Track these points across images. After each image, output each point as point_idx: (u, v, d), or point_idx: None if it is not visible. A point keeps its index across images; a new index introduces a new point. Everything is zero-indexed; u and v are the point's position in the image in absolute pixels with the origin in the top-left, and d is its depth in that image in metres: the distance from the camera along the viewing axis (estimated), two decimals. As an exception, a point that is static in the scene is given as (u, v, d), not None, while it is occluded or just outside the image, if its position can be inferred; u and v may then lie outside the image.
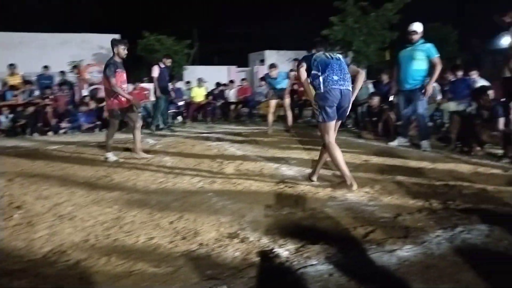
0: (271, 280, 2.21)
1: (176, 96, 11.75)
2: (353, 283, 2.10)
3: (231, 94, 12.99)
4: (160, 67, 9.51)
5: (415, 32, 6.08)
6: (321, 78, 3.84)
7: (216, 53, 29.21)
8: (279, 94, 8.45)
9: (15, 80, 10.91)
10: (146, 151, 6.13)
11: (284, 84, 8.40)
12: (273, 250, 2.51)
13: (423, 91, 6.06)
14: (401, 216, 3.09)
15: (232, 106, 12.50)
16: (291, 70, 12.61)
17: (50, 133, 9.58)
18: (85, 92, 11.81)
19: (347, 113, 4.15)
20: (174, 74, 14.14)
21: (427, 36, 6.24)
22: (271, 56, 21.73)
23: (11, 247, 2.71)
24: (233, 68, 20.30)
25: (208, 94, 12.65)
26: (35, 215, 3.35)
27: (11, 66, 11.15)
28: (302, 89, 11.69)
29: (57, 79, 12.23)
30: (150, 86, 13.35)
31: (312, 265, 2.30)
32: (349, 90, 3.92)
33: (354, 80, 4.02)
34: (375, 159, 5.37)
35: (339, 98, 3.85)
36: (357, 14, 16.80)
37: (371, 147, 6.46)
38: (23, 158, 6.11)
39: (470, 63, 14.02)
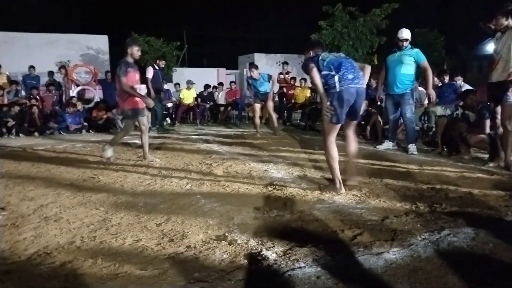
0: (259, 282, 2.20)
1: (165, 98, 11.69)
2: (341, 285, 2.11)
3: (220, 97, 12.99)
4: (154, 68, 9.50)
5: (407, 40, 6.16)
6: (336, 77, 3.75)
7: (205, 55, 29.20)
8: (262, 98, 8.35)
9: (0, 80, 10.74)
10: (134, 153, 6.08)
11: (266, 87, 8.28)
12: (261, 253, 2.50)
13: (428, 97, 6.20)
14: (388, 219, 3.11)
15: (221, 109, 12.49)
16: (280, 73, 12.69)
17: (36, 133, 9.45)
18: (72, 93, 11.67)
19: (360, 113, 4.07)
20: (163, 75, 14.09)
21: (414, 42, 6.35)
22: (260, 59, 21.78)
23: (-5, 249, 2.65)
24: (222, 70, 20.29)
25: (197, 96, 12.62)
26: (20, 216, 3.29)
27: (-4, 66, 10.98)
28: (291, 92, 11.77)
29: (45, 80, 12.08)
30: (141, 86, 13.28)
31: (299, 267, 2.30)
32: (364, 88, 3.89)
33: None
34: (363, 162, 5.40)
35: (355, 97, 3.79)
36: (346, 19, 16.95)
37: (359, 150, 6.48)
38: (8, 158, 6.01)
39: (456, 69, 14.23)
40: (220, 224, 3.05)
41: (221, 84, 13.75)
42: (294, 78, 12.48)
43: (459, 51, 24.84)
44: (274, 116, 8.66)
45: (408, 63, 6.14)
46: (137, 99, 5.57)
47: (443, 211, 3.29)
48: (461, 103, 6.22)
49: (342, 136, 4.24)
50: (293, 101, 11.60)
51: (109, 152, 5.65)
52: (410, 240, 2.67)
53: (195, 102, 12.26)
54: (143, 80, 9.54)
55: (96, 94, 12.30)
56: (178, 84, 13.63)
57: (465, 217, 3.10)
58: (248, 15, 32.07)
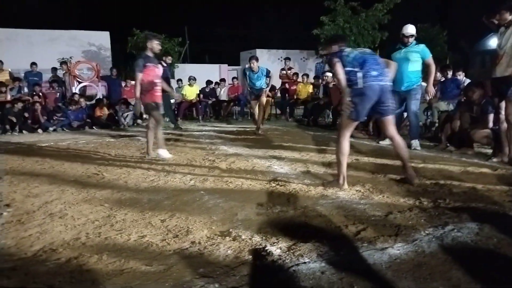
0: (264, 278, 2.21)
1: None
2: (345, 280, 2.11)
3: (223, 93, 12.98)
4: (162, 66, 9.50)
5: (412, 36, 6.11)
6: (359, 74, 3.71)
7: (207, 51, 29.16)
8: (258, 93, 8.12)
9: (2, 77, 10.75)
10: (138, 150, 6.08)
11: (263, 83, 8.08)
12: (265, 248, 2.51)
13: (426, 94, 6.16)
14: (392, 214, 3.11)
15: (224, 105, 12.49)
16: (282, 69, 12.67)
17: (39, 130, 9.47)
18: (74, 90, 11.68)
19: (392, 109, 4.00)
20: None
21: (416, 37, 6.29)
22: (262, 54, 21.74)
23: (0, 245, 2.67)
24: (224, 66, 20.28)
25: (200, 92, 12.62)
26: (24, 213, 3.31)
27: (-2, 62, 10.98)
28: (293, 87, 11.75)
29: (47, 76, 12.09)
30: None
31: (304, 263, 2.30)
32: (389, 85, 3.84)
33: None
34: (366, 158, 5.41)
35: (378, 95, 3.74)
36: (348, 14, 16.90)
37: (362, 146, 6.50)
38: (12, 155, 6.03)
39: (458, 64, 14.18)
40: (224, 220, 3.06)
41: (223, 80, 13.74)
42: (296, 74, 12.46)
43: (461, 46, 24.75)
44: (262, 114, 8.30)
45: (414, 60, 6.09)
46: (157, 93, 5.50)
47: (447, 206, 3.29)
48: (463, 98, 6.18)
49: (352, 136, 4.24)
50: (295, 97, 11.59)
51: (165, 154, 5.56)
52: (414, 236, 2.67)
53: (198, 99, 12.26)
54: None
55: (98, 90, 12.32)
56: (181, 80, 13.62)
57: (469, 212, 3.10)
58: (250, 11, 32.01)
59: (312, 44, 19.23)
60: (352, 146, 6.44)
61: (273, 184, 4.09)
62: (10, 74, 11.18)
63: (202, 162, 5.34)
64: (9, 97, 10.11)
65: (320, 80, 10.93)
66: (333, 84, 9.84)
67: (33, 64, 11.87)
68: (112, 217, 3.17)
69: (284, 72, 12.42)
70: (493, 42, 23.83)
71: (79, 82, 12.14)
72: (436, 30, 20.58)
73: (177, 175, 4.58)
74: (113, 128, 10.03)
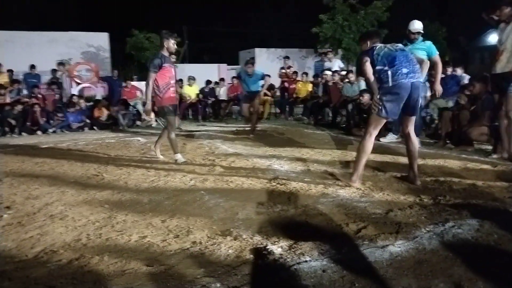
0: (265, 277, 2.21)
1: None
2: (346, 279, 2.11)
3: (222, 92, 12.96)
4: None
5: (419, 32, 6.02)
6: (389, 72, 3.66)
7: (206, 51, 29.16)
8: (251, 97, 7.91)
9: (2, 79, 10.74)
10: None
11: (257, 86, 7.92)
12: (267, 247, 2.51)
13: (432, 93, 6.11)
14: (392, 212, 3.11)
15: (223, 104, 12.47)
16: (282, 68, 12.66)
17: (38, 132, 9.47)
18: (73, 91, 11.67)
19: (419, 106, 3.98)
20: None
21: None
22: (261, 54, 21.77)
23: (1, 247, 2.67)
24: (224, 66, 20.25)
25: (199, 92, 12.60)
26: (25, 215, 3.31)
27: (-3, 65, 10.96)
28: (293, 86, 11.75)
29: (47, 78, 12.06)
30: (141, 84, 13.28)
31: (305, 261, 2.31)
32: (420, 82, 3.79)
33: None
34: (366, 156, 5.40)
35: (409, 92, 3.69)
36: (346, 12, 16.88)
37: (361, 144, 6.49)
38: (11, 158, 6.03)
39: (458, 60, 14.18)
40: (225, 220, 3.07)
41: (222, 79, 13.72)
42: (295, 73, 12.45)
43: (460, 43, 24.75)
44: (255, 116, 8.06)
45: (421, 56, 6.05)
46: (173, 95, 5.30)
47: (447, 203, 3.29)
48: (467, 92, 6.14)
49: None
50: (294, 95, 11.57)
51: (180, 158, 5.33)
52: (415, 233, 2.68)
53: (197, 98, 12.24)
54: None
55: (97, 92, 12.31)
56: (181, 80, 13.60)
57: (469, 208, 3.11)
58: (248, 10, 31.99)
59: (311, 42, 19.24)
60: (351, 144, 6.49)
61: (274, 183, 4.09)
62: (9, 76, 11.16)
63: (202, 162, 5.34)
64: (8, 99, 10.10)
65: (320, 79, 10.92)
66: (332, 82, 9.84)
67: (32, 66, 11.84)
68: (113, 218, 3.17)
69: (284, 70, 12.40)
70: (492, 38, 23.86)
71: (78, 84, 12.13)
72: (435, 26, 20.58)
73: (177, 175, 4.58)
74: (113, 128, 10.03)
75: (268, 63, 20.06)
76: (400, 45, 3.91)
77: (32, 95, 10.41)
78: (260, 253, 2.45)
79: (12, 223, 3.13)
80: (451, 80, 7.56)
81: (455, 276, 2.10)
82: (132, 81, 12.76)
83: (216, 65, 20.17)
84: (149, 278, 2.18)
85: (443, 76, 7.77)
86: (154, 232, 2.85)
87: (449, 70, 7.78)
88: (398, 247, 2.47)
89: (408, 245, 2.50)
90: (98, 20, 24.47)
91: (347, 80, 9.29)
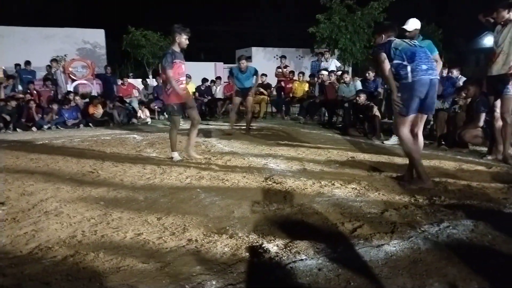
0: (261, 275, 2.21)
1: (161, 92, 11.63)
2: (342, 277, 2.12)
3: (218, 91, 12.95)
4: None
5: (417, 29, 5.93)
6: (409, 68, 3.64)
7: (202, 49, 29.10)
8: (244, 93, 7.89)
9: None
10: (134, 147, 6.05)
11: (250, 83, 7.88)
12: (262, 246, 2.51)
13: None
14: (388, 212, 3.12)
15: (219, 103, 12.46)
16: (278, 67, 12.66)
17: (33, 128, 9.41)
18: (69, 88, 11.61)
19: (434, 105, 3.93)
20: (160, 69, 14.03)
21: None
22: (257, 53, 21.75)
23: (-4, 243, 2.66)
24: (220, 64, 20.23)
25: (195, 90, 12.58)
26: (20, 211, 3.29)
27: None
28: (289, 85, 11.75)
29: (42, 74, 12.00)
30: (137, 81, 13.25)
31: (301, 260, 2.31)
32: (438, 79, 3.77)
33: None
34: (361, 156, 5.42)
35: (427, 89, 3.67)
36: (343, 12, 16.91)
37: (357, 144, 6.52)
38: (6, 154, 6.00)
39: (454, 62, 14.23)
40: (221, 218, 3.06)
41: (218, 78, 13.70)
42: (292, 72, 12.46)
43: (457, 44, 24.86)
44: (250, 114, 8.18)
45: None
46: (183, 91, 5.18)
47: (442, 203, 3.31)
48: (463, 95, 6.15)
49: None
50: (291, 95, 11.58)
51: (177, 156, 5.29)
52: (410, 233, 2.69)
53: (193, 96, 12.22)
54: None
55: (93, 88, 12.26)
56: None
57: (464, 209, 3.13)
58: (245, 9, 31.95)
59: (308, 42, 19.26)
60: (347, 143, 6.51)
61: (270, 182, 4.09)
62: (4, 72, 11.10)
63: (198, 160, 5.33)
64: (2, 95, 10.04)
65: (316, 78, 10.94)
66: (329, 82, 9.86)
67: (27, 62, 11.76)
68: (108, 215, 3.16)
69: (280, 70, 12.41)
70: (487, 41, 24.01)
71: (74, 80, 12.07)
72: (432, 28, 20.64)
73: (173, 173, 4.57)
74: (110, 125, 9.99)
75: (264, 62, 20.06)
76: (416, 42, 3.90)
77: (28, 91, 10.35)
78: (255, 251, 2.46)
79: (7, 219, 3.11)
80: (446, 82, 7.60)
81: (449, 276, 2.12)
82: (129, 78, 12.71)
83: (212, 63, 20.15)
84: (144, 275, 2.18)
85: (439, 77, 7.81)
86: (150, 230, 2.84)
87: (445, 72, 7.81)
88: (393, 246, 2.48)
89: (403, 244, 2.51)
90: (95, 16, 24.36)
91: (342, 80, 9.31)
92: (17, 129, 9.23)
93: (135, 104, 11.11)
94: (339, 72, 10.44)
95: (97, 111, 10.25)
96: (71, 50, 16.26)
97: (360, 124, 7.82)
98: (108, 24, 19.33)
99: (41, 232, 2.83)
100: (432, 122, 7.21)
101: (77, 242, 2.65)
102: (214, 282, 2.09)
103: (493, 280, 2.09)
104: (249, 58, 20.98)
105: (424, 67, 3.65)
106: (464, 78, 7.66)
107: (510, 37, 4.60)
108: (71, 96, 10.35)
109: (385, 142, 6.65)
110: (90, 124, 9.98)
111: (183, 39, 5.05)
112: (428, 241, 2.56)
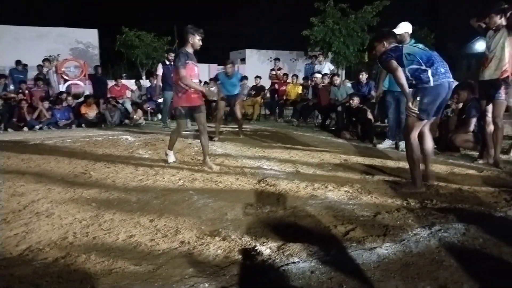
0: (253, 277, 2.21)
1: (155, 93, 11.58)
2: (334, 280, 2.13)
3: (212, 92, 12.92)
4: (164, 64, 9.39)
5: (407, 33, 5.95)
6: (429, 72, 3.63)
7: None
8: (230, 100, 7.69)
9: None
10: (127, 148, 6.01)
11: (236, 89, 7.63)
12: (255, 248, 2.51)
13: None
14: (380, 215, 3.14)
15: (213, 105, 12.44)
16: (272, 70, 12.69)
17: (25, 128, 9.33)
18: (61, 88, 11.52)
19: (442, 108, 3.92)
20: (154, 70, 13.95)
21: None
22: (251, 55, 21.78)
23: (-15, 245, 2.63)
24: (214, 66, 20.21)
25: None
26: (10, 212, 3.26)
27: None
28: (283, 88, 11.77)
29: (34, 74, 11.88)
30: (130, 82, 13.19)
31: (294, 262, 2.31)
32: (454, 82, 3.77)
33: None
34: (354, 159, 5.44)
35: (447, 91, 3.69)
36: (337, 16, 17.00)
37: (350, 147, 6.54)
38: (-4, 154, 5.93)
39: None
40: (214, 220, 3.06)
41: (212, 79, 13.69)
42: (286, 75, 12.48)
43: (448, 49, 25.07)
44: (240, 117, 7.96)
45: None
46: (195, 95, 4.90)
47: (433, 207, 3.33)
48: (454, 100, 6.20)
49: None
50: (284, 97, 11.60)
51: (171, 157, 5.18)
52: (402, 236, 2.70)
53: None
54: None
55: (85, 88, 12.18)
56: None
57: (455, 213, 3.15)
58: (239, 11, 32.00)
59: (302, 45, 19.32)
60: (340, 146, 6.53)
61: (263, 184, 4.09)
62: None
63: (191, 161, 5.32)
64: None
65: (309, 81, 10.97)
66: (322, 85, 9.89)
67: (18, 61, 11.63)
68: (100, 217, 3.14)
69: (274, 72, 12.43)
70: (479, 46, 24.24)
71: (66, 80, 11.98)
72: (424, 32, 20.83)
73: (166, 174, 4.56)
74: (103, 126, 9.93)
75: (258, 64, 20.09)
76: (421, 45, 3.93)
77: (19, 90, 10.25)
78: (248, 253, 2.45)
79: (-3, 220, 3.07)
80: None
81: (441, 279, 2.13)
82: (122, 79, 12.65)
83: (206, 65, 20.11)
84: (136, 278, 2.17)
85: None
86: (142, 232, 2.83)
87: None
88: (385, 249, 2.49)
89: (395, 247, 2.52)
90: (88, 16, 24.24)
91: (332, 83, 9.33)
92: (8, 129, 9.14)
93: (128, 105, 11.06)
94: (330, 74, 10.48)
95: (91, 111, 10.18)
96: (64, 49, 16.14)
97: (353, 127, 7.85)
98: (102, 24, 19.24)
99: (32, 233, 2.80)
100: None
101: (69, 244, 2.62)
102: (206, 285, 2.09)
103: (484, 283, 2.11)
104: (243, 61, 21.04)
105: (442, 70, 3.68)
106: (456, 83, 7.71)
107: (503, 43, 4.64)
108: (63, 96, 10.28)
109: (378, 145, 6.66)
110: (83, 124, 9.91)
111: (197, 40, 4.94)
112: (420, 244, 2.58)
